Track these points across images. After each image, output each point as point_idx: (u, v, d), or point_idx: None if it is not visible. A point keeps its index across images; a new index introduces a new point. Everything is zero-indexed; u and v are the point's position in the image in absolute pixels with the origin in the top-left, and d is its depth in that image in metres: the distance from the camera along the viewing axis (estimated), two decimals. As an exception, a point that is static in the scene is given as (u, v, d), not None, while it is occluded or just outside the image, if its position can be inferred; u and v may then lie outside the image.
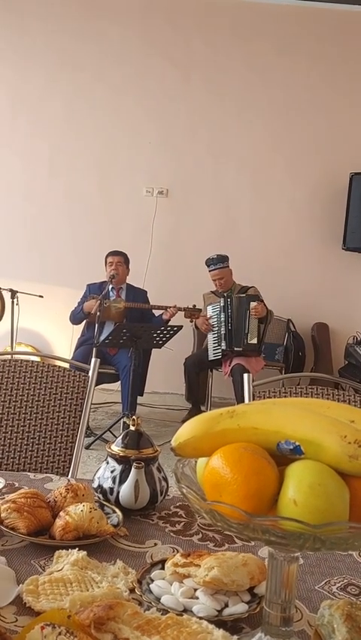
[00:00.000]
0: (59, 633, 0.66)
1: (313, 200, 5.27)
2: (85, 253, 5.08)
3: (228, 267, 4.65)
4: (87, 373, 1.88)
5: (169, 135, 5.29)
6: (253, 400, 1.82)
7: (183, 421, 4.42)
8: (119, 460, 1.11)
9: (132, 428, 1.15)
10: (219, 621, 0.77)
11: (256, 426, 0.66)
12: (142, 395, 4.42)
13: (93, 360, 1.89)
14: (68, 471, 1.77)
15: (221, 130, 5.29)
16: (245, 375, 1.86)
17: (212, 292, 4.76)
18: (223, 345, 4.48)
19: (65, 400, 1.86)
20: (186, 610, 0.79)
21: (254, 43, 5.21)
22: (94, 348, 3.92)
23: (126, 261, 4.40)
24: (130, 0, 5.18)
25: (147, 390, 4.52)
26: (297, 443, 0.64)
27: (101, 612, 0.69)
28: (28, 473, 1.33)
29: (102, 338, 3.99)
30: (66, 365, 2.06)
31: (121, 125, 5.27)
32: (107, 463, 1.12)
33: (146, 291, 4.50)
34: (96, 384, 4.39)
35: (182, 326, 3.91)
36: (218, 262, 4.60)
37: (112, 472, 1.10)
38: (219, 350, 4.52)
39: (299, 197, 5.28)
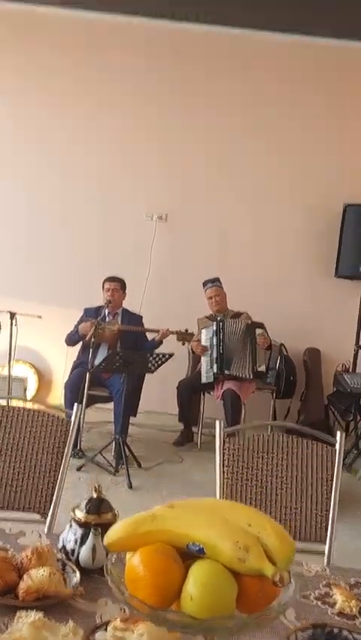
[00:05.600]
0: None
1: (308, 228, 5.41)
2: (84, 276, 5.23)
3: (222, 288, 4.83)
4: (70, 418, 2.01)
5: (170, 161, 5.45)
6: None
7: (175, 444, 4.59)
8: (80, 524, 1.25)
9: (95, 495, 1.29)
10: None
11: (170, 529, 0.81)
12: (135, 416, 4.57)
13: (76, 406, 2.02)
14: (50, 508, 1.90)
15: (220, 158, 5.44)
16: (216, 423, 1.98)
17: (206, 317, 4.92)
18: (215, 369, 4.63)
19: (47, 443, 2.00)
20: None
21: (254, 73, 5.37)
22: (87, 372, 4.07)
23: (123, 286, 4.56)
24: (135, 31, 5.34)
25: (142, 410, 4.66)
26: (201, 545, 0.79)
27: None
28: (6, 523, 1.48)
29: (97, 362, 4.15)
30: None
31: (123, 150, 5.44)
32: (71, 526, 1.27)
33: (141, 317, 4.65)
34: (90, 405, 4.55)
35: (173, 354, 4.06)
36: (214, 281, 4.82)
37: (74, 534, 1.25)
38: (212, 373, 4.67)
39: (295, 226, 5.42)
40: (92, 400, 4.33)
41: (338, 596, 1.16)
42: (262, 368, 4.52)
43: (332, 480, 1.89)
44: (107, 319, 4.47)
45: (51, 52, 5.35)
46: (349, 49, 5.31)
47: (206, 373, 4.69)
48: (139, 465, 4.12)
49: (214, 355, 4.64)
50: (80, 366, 4.35)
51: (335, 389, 4.78)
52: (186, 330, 4.53)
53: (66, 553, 1.25)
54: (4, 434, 1.97)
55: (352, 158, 5.36)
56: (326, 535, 1.86)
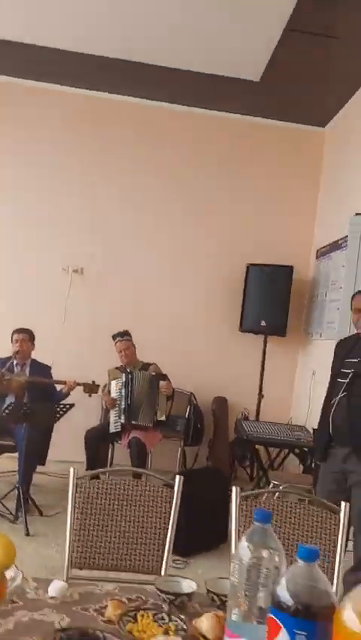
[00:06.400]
0: None
1: (216, 286, 5.82)
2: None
3: (131, 341, 5.08)
4: None
5: (88, 216, 5.78)
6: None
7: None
8: None
9: None
10: None
11: None
12: (43, 464, 4.68)
13: None
14: None
15: (138, 216, 5.83)
16: (70, 470, 2.20)
17: (117, 368, 5.15)
18: (122, 419, 4.84)
19: None
20: None
21: (172, 140, 5.85)
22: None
23: (31, 337, 4.76)
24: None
25: (53, 459, 4.78)
26: None
27: None
28: None
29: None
30: None
31: (42, 201, 5.73)
32: None
33: (50, 367, 4.84)
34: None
35: (74, 404, 4.26)
36: (123, 335, 5.06)
37: None
38: (120, 423, 4.87)
39: (205, 283, 5.83)
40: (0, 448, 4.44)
41: (110, 607, 1.39)
42: (163, 418, 4.76)
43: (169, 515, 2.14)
44: (15, 370, 4.64)
45: None
46: (253, 124, 5.89)
47: (114, 423, 4.89)
48: (40, 513, 4.23)
49: (123, 406, 4.85)
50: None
51: (235, 436, 5.06)
52: (93, 382, 4.74)
53: None
54: None
55: (252, 225, 5.85)
56: (161, 566, 2.08)
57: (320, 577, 0.93)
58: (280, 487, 3.91)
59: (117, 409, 4.87)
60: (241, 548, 1.05)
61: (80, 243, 5.76)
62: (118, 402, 4.86)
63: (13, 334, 4.71)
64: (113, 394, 4.91)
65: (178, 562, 3.69)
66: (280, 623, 0.90)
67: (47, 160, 5.76)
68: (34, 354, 4.82)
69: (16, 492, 4.18)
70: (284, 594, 0.91)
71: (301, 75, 4.97)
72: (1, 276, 5.67)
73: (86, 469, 4.97)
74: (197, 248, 5.85)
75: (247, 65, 4.92)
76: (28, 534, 3.87)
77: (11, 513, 4.09)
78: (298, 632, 0.88)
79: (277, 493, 3.38)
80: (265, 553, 1.01)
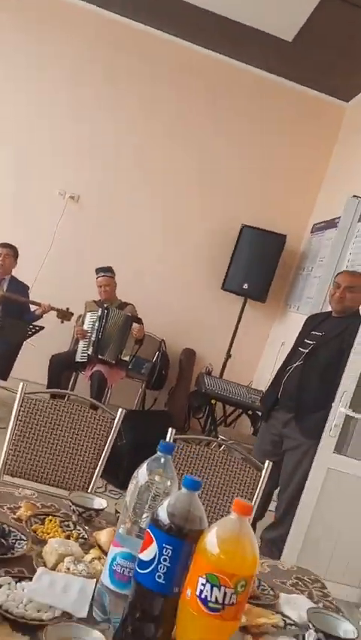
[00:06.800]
0: None
1: (207, 240, 5.83)
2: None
3: (113, 278, 5.14)
4: None
5: (92, 143, 5.70)
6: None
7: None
8: None
9: None
10: None
11: None
12: (5, 380, 4.80)
13: None
14: None
15: (142, 152, 5.75)
16: (20, 385, 2.30)
17: (94, 301, 5.22)
18: (90, 351, 4.95)
19: None
20: None
21: (188, 82, 5.73)
22: None
23: (15, 254, 4.79)
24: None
25: (17, 376, 4.88)
26: None
27: None
28: None
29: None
30: None
31: (43, 126, 5.64)
32: None
33: (28, 287, 4.89)
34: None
35: (43, 327, 4.35)
36: (106, 271, 5.11)
37: None
38: (86, 354, 4.98)
39: (195, 236, 5.83)
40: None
41: (23, 508, 1.51)
42: (126, 358, 4.88)
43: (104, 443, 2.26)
44: (-7, 283, 4.69)
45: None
46: (276, 84, 5.78)
47: (81, 353, 4.99)
48: (-6, 424, 4.37)
49: (93, 338, 4.95)
50: None
51: (195, 388, 5.20)
52: (67, 309, 4.81)
53: None
54: None
55: (248, 185, 5.82)
56: (88, 488, 2.21)
57: (197, 505, 1.03)
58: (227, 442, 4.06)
59: (87, 340, 4.97)
60: (140, 472, 1.15)
61: (80, 169, 5.70)
62: (89, 334, 4.95)
63: (-4, 248, 4.74)
64: (86, 326, 5.00)
65: (114, 492, 3.87)
66: (153, 537, 1.00)
67: (62, 76, 5.63)
68: (14, 272, 4.86)
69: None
70: (163, 514, 1.02)
71: (333, 44, 4.86)
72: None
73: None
74: (196, 199, 5.83)
75: (282, 23, 4.79)
76: (-23, 441, 4.01)
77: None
78: (167, 546, 0.99)
79: (215, 444, 3.53)
80: (158, 479, 1.11)
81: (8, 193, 5.62)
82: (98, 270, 5.11)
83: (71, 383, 5.20)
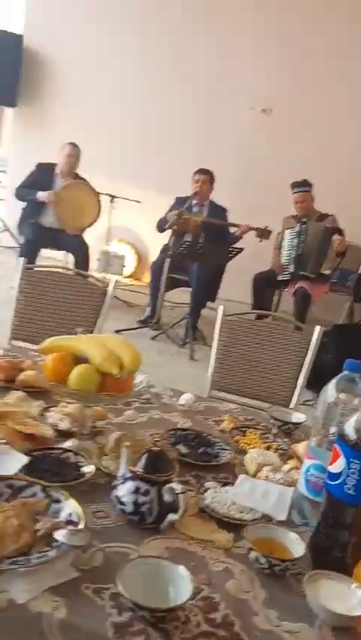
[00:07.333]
0: None
1: None
2: (179, 166, 5.53)
3: (310, 192, 4.96)
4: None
5: (281, 55, 5.42)
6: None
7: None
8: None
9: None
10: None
11: (71, 346, 1.31)
12: (213, 301, 5.05)
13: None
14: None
15: (329, 57, 5.32)
16: (219, 308, 2.43)
17: (292, 216, 5.12)
18: (292, 268, 4.93)
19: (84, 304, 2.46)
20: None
21: None
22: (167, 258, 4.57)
23: (211, 179, 4.87)
24: None
25: (224, 297, 5.12)
26: (85, 355, 1.28)
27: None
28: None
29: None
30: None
31: (234, 42, 5.48)
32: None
33: (226, 210, 4.97)
34: (173, 287, 5.07)
35: (243, 248, 4.41)
36: (303, 185, 4.95)
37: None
38: (288, 272, 4.97)
39: None
40: (173, 282, 4.82)
41: (226, 420, 1.64)
42: (327, 271, 4.75)
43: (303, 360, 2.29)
44: (193, 210, 4.86)
45: None
46: None
47: (283, 271, 5.00)
48: (205, 342, 4.67)
49: (293, 255, 4.91)
50: (164, 251, 4.84)
51: None
52: (266, 228, 4.80)
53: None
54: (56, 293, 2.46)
55: None
56: (290, 401, 2.29)
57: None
58: None
59: (288, 257, 4.94)
60: (329, 389, 1.16)
61: (271, 83, 5.48)
62: (289, 250, 4.91)
63: (194, 174, 4.85)
64: (287, 242, 4.96)
65: (310, 401, 3.91)
66: (341, 452, 1.02)
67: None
68: (211, 196, 4.96)
69: (186, 322, 4.65)
70: (350, 430, 1.03)
71: None
72: (185, 117, 5.71)
73: (252, 310, 5.27)
74: None
75: None
76: (192, 358, 4.36)
77: (180, 339, 4.59)
78: (354, 460, 1.00)
79: None
80: (344, 396, 1.12)
81: (200, 114, 5.67)
82: (293, 185, 4.96)
83: (275, 300, 5.25)
